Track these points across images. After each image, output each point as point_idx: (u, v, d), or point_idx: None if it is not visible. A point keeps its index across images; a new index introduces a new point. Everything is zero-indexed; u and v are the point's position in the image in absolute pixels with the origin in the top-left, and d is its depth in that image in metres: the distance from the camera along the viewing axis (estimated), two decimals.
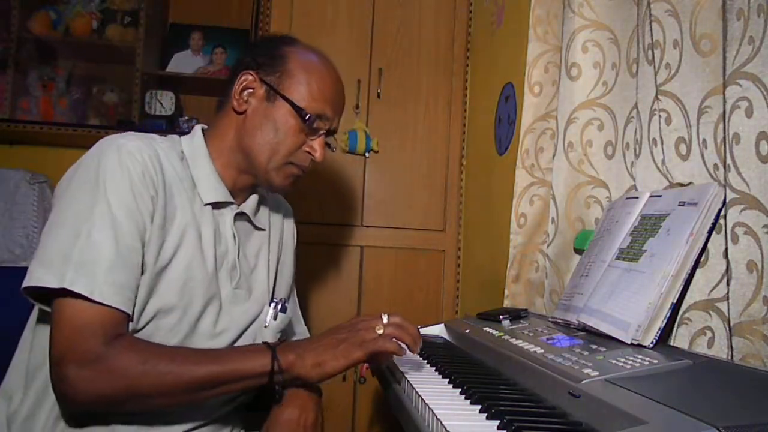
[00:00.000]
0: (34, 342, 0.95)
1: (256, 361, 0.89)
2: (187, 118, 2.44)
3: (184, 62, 2.52)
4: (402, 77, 2.17)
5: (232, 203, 1.08)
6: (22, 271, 0.87)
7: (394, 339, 0.91)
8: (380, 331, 0.92)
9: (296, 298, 1.33)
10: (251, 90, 1.05)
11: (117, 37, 2.37)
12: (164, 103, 2.38)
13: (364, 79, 2.14)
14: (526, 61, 1.44)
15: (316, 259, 2.06)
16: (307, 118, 1.03)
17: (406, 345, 0.93)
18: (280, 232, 1.23)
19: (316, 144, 1.06)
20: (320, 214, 2.09)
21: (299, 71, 1.05)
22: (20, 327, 0.99)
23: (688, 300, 0.87)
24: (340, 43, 2.12)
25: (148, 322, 0.95)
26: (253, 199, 1.13)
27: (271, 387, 0.92)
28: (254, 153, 1.04)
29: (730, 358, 0.79)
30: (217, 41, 2.54)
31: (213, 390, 0.88)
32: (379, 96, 2.14)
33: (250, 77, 1.05)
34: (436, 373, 0.98)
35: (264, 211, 1.18)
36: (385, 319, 0.94)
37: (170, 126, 2.37)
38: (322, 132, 1.07)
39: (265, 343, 0.95)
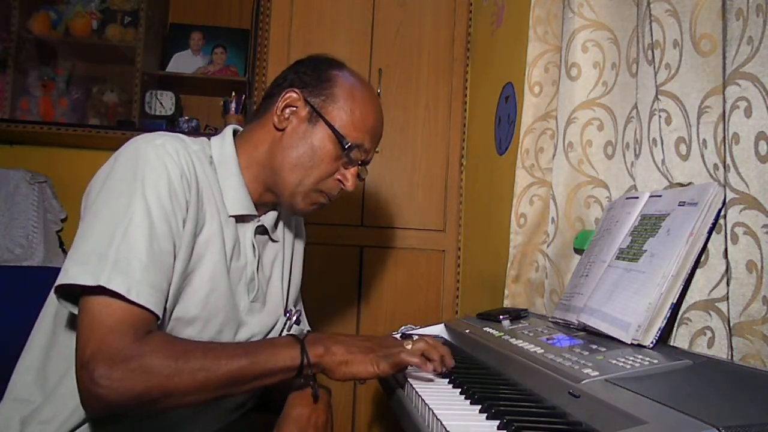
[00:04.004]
0: (57, 349, 0.92)
1: (286, 354, 0.87)
2: (187, 118, 2.44)
3: (184, 62, 2.52)
4: (402, 77, 2.17)
5: (255, 216, 1.07)
6: (22, 271, 0.86)
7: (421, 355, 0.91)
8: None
9: (301, 298, 1.33)
10: (294, 108, 1.03)
11: (117, 37, 2.37)
12: (164, 103, 2.38)
13: None
14: (526, 61, 1.44)
15: (316, 259, 2.05)
16: (347, 146, 1.01)
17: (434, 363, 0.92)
18: (292, 241, 1.23)
19: (349, 174, 1.04)
20: (320, 214, 2.06)
21: (344, 97, 1.03)
22: (20, 326, 0.98)
23: (688, 300, 0.88)
24: (340, 43, 2.12)
25: (167, 331, 0.93)
26: (273, 213, 1.12)
27: (298, 381, 0.89)
28: (285, 173, 1.02)
29: (730, 358, 0.79)
30: (217, 41, 2.55)
31: (244, 385, 0.86)
32: (379, 96, 2.14)
33: (295, 95, 1.03)
34: (436, 373, 0.98)
35: (280, 223, 1.17)
36: (408, 347, 0.94)
37: (170, 126, 2.38)
38: (358, 162, 1.05)
39: (291, 335, 0.93)
